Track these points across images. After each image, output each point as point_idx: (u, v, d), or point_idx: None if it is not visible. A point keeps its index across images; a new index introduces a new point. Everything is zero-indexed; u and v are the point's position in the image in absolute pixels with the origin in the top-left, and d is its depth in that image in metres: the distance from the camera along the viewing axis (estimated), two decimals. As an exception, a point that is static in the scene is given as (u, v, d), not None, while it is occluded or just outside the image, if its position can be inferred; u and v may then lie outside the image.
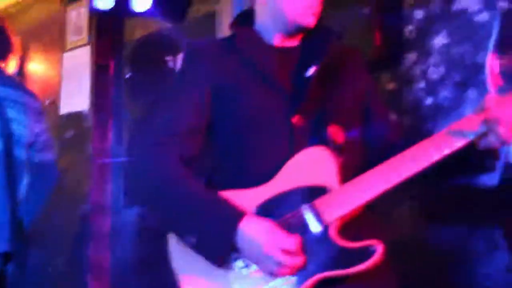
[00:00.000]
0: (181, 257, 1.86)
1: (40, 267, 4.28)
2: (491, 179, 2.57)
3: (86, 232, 4.06)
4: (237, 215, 1.77)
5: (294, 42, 2.00)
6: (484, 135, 1.76)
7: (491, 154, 1.81)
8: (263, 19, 2.00)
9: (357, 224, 1.81)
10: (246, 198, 1.82)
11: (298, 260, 1.74)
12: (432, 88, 2.92)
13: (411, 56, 3.00)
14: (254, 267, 1.78)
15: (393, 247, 2.72)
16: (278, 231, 1.75)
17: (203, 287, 1.82)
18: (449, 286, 2.62)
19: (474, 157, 1.82)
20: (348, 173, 1.83)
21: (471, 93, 2.79)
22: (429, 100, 2.92)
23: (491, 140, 1.75)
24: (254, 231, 1.75)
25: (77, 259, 4.15)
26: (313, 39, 1.99)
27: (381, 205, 2.82)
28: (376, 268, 1.76)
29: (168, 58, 4.10)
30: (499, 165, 2.50)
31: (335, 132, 1.87)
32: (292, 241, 1.74)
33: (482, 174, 1.97)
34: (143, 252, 3.90)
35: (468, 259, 2.63)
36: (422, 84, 2.95)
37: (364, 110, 2.02)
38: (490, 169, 1.87)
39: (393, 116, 2.79)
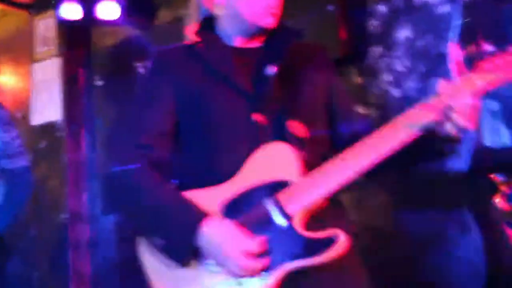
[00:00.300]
0: (151, 260, 1.90)
1: (21, 276, 4.27)
2: (460, 164, 2.63)
3: (65, 240, 4.07)
4: (199, 217, 1.81)
5: (255, 44, 2.03)
6: (440, 122, 1.81)
7: (452, 139, 1.86)
8: (223, 23, 2.04)
9: (322, 215, 1.86)
10: (211, 197, 1.87)
11: (260, 263, 1.78)
12: (399, 80, 2.98)
13: (377, 50, 3.06)
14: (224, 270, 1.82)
15: (370, 235, 2.77)
16: (240, 233, 1.79)
17: None
18: (426, 271, 2.67)
19: (433, 143, 1.87)
20: (313, 167, 1.87)
21: (437, 83, 2.85)
22: (396, 92, 2.98)
23: (448, 127, 1.80)
24: (215, 233, 1.79)
25: (58, 268, 4.15)
26: (274, 40, 2.02)
27: (355, 195, 2.89)
28: (344, 260, 1.81)
29: (138, 64, 4.12)
30: (466, 149, 2.57)
31: (297, 128, 1.92)
32: (253, 243, 1.78)
33: (444, 159, 2.02)
34: (123, 258, 3.91)
35: (443, 243, 2.68)
36: (388, 77, 3.01)
37: (329, 106, 2.07)
38: (452, 154, 1.92)
39: (361, 110, 2.84)
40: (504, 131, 3.03)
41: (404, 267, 2.69)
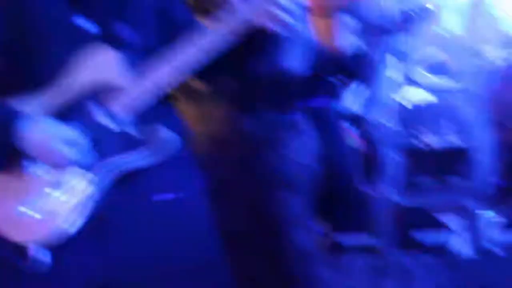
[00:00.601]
0: None
1: None
2: (296, 65, 2.70)
3: None
4: (14, 115, 1.78)
5: None
6: (263, 19, 1.86)
7: (282, 39, 1.93)
8: None
9: (148, 115, 1.90)
10: (31, 105, 1.84)
11: (80, 148, 1.79)
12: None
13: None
14: (49, 170, 1.82)
15: (211, 143, 2.81)
16: (59, 124, 1.79)
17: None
18: (260, 171, 2.74)
19: (262, 42, 1.93)
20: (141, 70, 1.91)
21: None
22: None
23: (273, 24, 1.86)
24: (34, 128, 1.78)
25: None
26: None
27: (196, 105, 2.91)
28: (176, 161, 1.86)
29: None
30: (303, 51, 2.63)
31: (123, 32, 1.92)
32: (74, 132, 1.79)
33: (277, 60, 2.07)
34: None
35: (277, 145, 2.75)
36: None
37: (163, 14, 2.07)
38: (285, 55, 1.98)
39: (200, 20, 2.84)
40: (353, 39, 3.14)
41: (239, 167, 2.75)
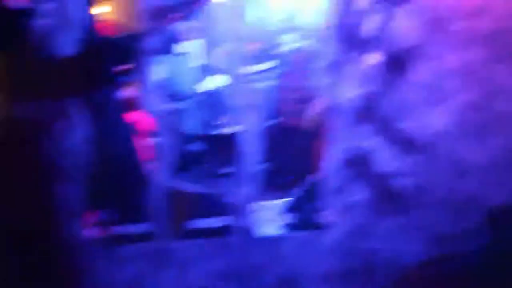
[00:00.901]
0: None
1: None
2: (68, 51, 2.60)
3: None
4: None
5: None
6: None
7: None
8: None
9: None
10: None
11: None
12: None
13: None
14: None
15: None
16: None
17: None
18: (34, 161, 2.63)
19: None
20: None
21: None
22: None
23: None
24: None
25: None
26: None
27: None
28: None
29: None
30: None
31: None
32: None
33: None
34: None
35: (51, 135, 2.66)
36: None
37: None
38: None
39: None
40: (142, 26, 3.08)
41: (12, 160, 2.63)
